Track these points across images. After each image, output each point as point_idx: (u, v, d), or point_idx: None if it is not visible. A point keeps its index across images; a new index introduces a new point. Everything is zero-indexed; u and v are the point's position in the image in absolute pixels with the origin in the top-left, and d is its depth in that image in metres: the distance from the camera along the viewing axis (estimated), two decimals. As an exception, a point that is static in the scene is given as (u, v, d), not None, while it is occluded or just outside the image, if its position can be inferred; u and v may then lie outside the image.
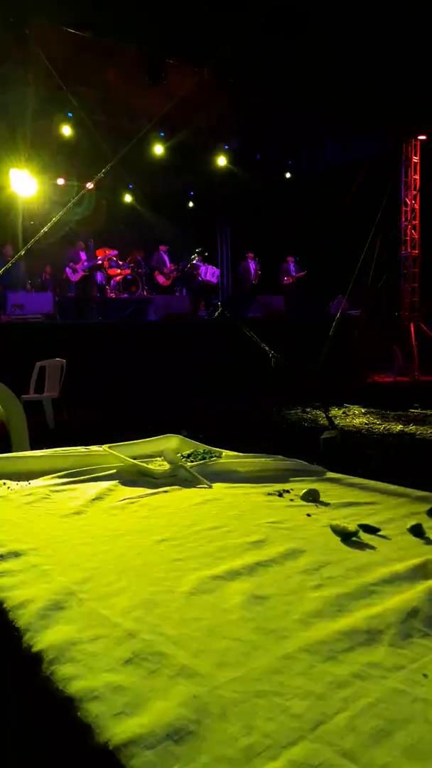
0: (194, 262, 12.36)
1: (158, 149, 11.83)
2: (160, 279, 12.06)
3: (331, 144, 13.21)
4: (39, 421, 6.97)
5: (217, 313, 12.15)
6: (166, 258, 12.02)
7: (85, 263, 10.93)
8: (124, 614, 0.81)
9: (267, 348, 8.93)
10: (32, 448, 3.31)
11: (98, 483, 1.51)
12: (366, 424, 6.67)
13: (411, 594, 0.85)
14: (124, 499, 1.37)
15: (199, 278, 12.30)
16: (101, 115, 10.28)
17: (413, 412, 7.55)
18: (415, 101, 8.92)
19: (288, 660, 0.70)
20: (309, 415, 7.37)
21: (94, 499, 1.37)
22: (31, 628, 0.78)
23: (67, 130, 10.59)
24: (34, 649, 0.74)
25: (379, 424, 6.60)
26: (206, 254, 13.01)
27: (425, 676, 0.66)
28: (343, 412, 7.48)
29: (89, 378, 8.22)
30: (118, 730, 0.58)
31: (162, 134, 11.40)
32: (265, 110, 10.38)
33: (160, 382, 9.03)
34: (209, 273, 12.94)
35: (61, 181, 12.86)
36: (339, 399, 8.79)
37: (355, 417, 7.16)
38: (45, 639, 0.75)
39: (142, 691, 0.64)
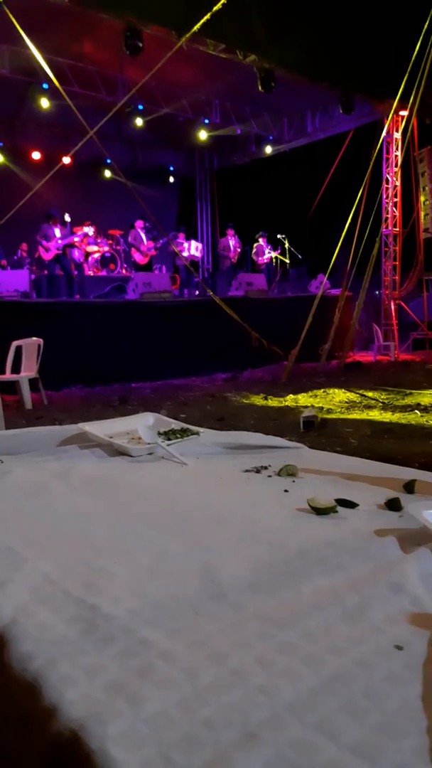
0: (177, 239, 12.23)
1: (137, 122, 11.61)
2: (138, 257, 11.91)
3: (313, 119, 13.08)
4: (15, 401, 6.90)
5: (197, 292, 12.08)
6: (143, 235, 11.85)
7: (59, 240, 10.70)
8: (95, 593, 0.79)
9: (247, 327, 8.90)
10: (8, 428, 3.27)
11: (72, 461, 1.49)
12: (346, 402, 6.71)
13: (386, 567, 0.84)
14: (97, 477, 1.35)
15: (184, 253, 12.17)
16: (78, 86, 10.04)
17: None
18: (398, 76, 8.83)
19: (260, 636, 0.69)
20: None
21: (67, 477, 1.34)
22: (-2, 607, 0.76)
23: (43, 102, 10.33)
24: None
25: (358, 403, 6.64)
26: (179, 233, 12.83)
27: (400, 648, 0.66)
28: (324, 391, 7.50)
29: (67, 358, 8.14)
30: (88, 711, 0.57)
31: (141, 107, 11.19)
32: (245, 83, 10.21)
33: (139, 362, 8.98)
34: (193, 248, 12.81)
35: (37, 155, 12.61)
36: (320, 378, 8.83)
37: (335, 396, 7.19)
38: (11, 620, 0.73)
39: (115, 671, 0.63)
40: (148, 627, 0.70)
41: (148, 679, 0.61)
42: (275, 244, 13.19)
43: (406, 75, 9.02)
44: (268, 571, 0.85)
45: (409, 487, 1.22)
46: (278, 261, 13.38)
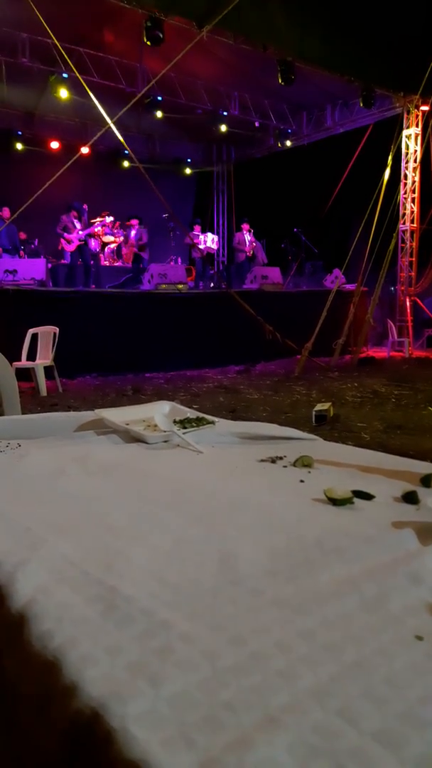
0: (193, 231, 12.25)
1: (156, 114, 11.57)
2: (125, 251, 12.16)
3: (332, 112, 12.97)
4: (31, 388, 6.94)
5: (212, 284, 12.07)
6: (131, 232, 12.06)
7: (81, 232, 10.74)
8: (114, 575, 0.79)
9: (261, 320, 8.88)
10: (24, 414, 3.29)
11: (89, 446, 1.49)
12: (358, 397, 6.68)
13: (405, 559, 0.84)
14: (114, 463, 1.35)
15: (200, 246, 12.18)
16: (97, 76, 10.02)
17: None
18: (420, 70, 8.73)
19: (279, 621, 0.68)
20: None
21: (84, 462, 1.35)
22: (18, 587, 0.76)
23: (63, 92, 10.33)
24: (19, 609, 0.72)
25: (371, 398, 6.61)
26: (195, 225, 12.81)
27: (420, 639, 0.65)
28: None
29: (81, 346, 8.17)
30: (108, 690, 0.57)
31: (160, 98, 11.14)
32: (264, 75, 10.14)
33: (153, 352, 8.99)
34: (209, 240, 12.80)
35: (55, 145, 12.62)
36: (333, 372, 8.79)
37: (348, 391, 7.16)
38: (31, 599, 0.74)
39: (136, 652, 0.63)
40: (168, 609, 0.70)
41: (168, 660, 0.61)
42: (257, 236, 12.97)
43: (429, 69, 8.91)
44: (285, 558, 0.85)
45: (427, 480, 1.21)
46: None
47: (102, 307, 8.83)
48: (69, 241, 10.70)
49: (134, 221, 12.13)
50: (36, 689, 0.63)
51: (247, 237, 12.82)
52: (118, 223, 12.77)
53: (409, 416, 5.56)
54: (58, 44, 7.31)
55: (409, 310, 11.96)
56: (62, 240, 10.80)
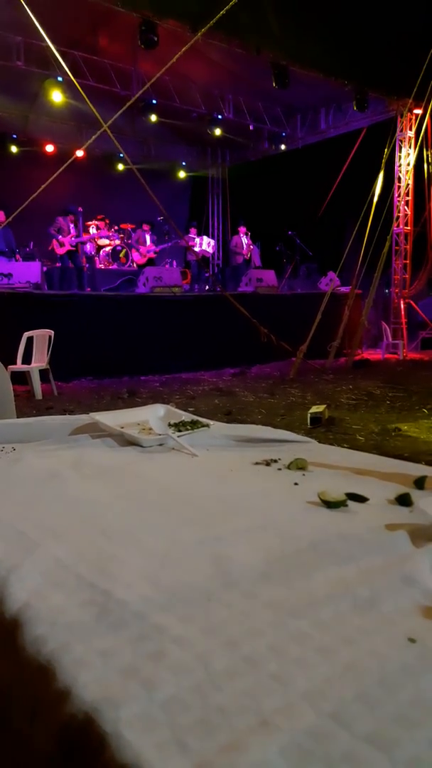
0: (189, 235, 12.26)
1: (151, 117, 11.58)
2: (136, 257, 12.10)
3: (326, 116, 13.00)
4: (26, 391, 6.92)
5: (207, 287, 12.08)
6: (147, 237, 11.99)
7: (74, 238, 10.75)
8: (107, 578, 0.79)
9: (257, 323, 8.89)
10: (19, 418, 3.28)
11: (83, 450, 1.49)
12: (353, 399, 6.69)
13: (398, 561, 0.84)
14: (109, 466, 1.35)
15: (195, 249, 12.19)
16: (92, 80, 10.02)
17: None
18: (413, 74, 8.76)
19: (272, 624, 0.69)
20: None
21: (78, 466, 1.35)
22: (11, 592, 0.76)
23: (57, 96, 10.32)
24: (12, 614, 0.72)
25: (366, 400, 6.62)
26: (191, 228, 12.86)
27: (413, 641, 0.65)
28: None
29: (77, 349, 8.16)
30: (102, 694, 0.57)
31: (154, 102, 11.15)
32: (259, 78, 10.16)
33: (149, 355, 8.99)
34: (205, 243, 12.81)
35: (50, 148, 12.61)
36: (328, 375, 8.80)
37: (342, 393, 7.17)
38: (24, 604, 0.73)
39: (129, 655, 0.63)
40: (161, 613, 0.70)
41: (161, 664, 0.61)
42: (253, 239, 13.04)
43: (422, 73, 8.95)
44: (279, 561, 0.85)
45: (420, 483, 1.22)
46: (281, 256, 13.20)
47: (97, 310, 8.82)
48: (61, 244, 10.70)
49: (146, 226, 12.10)
50: (29, 693, 0.63)
51: (245, 240, 12.84)
52: (115, 227, 12.78)
53: (403, 418, 5.57)
54: (52, 47, 7.30)
55: (403, 313, 11.99)
56: (54, 242, 10.81)
